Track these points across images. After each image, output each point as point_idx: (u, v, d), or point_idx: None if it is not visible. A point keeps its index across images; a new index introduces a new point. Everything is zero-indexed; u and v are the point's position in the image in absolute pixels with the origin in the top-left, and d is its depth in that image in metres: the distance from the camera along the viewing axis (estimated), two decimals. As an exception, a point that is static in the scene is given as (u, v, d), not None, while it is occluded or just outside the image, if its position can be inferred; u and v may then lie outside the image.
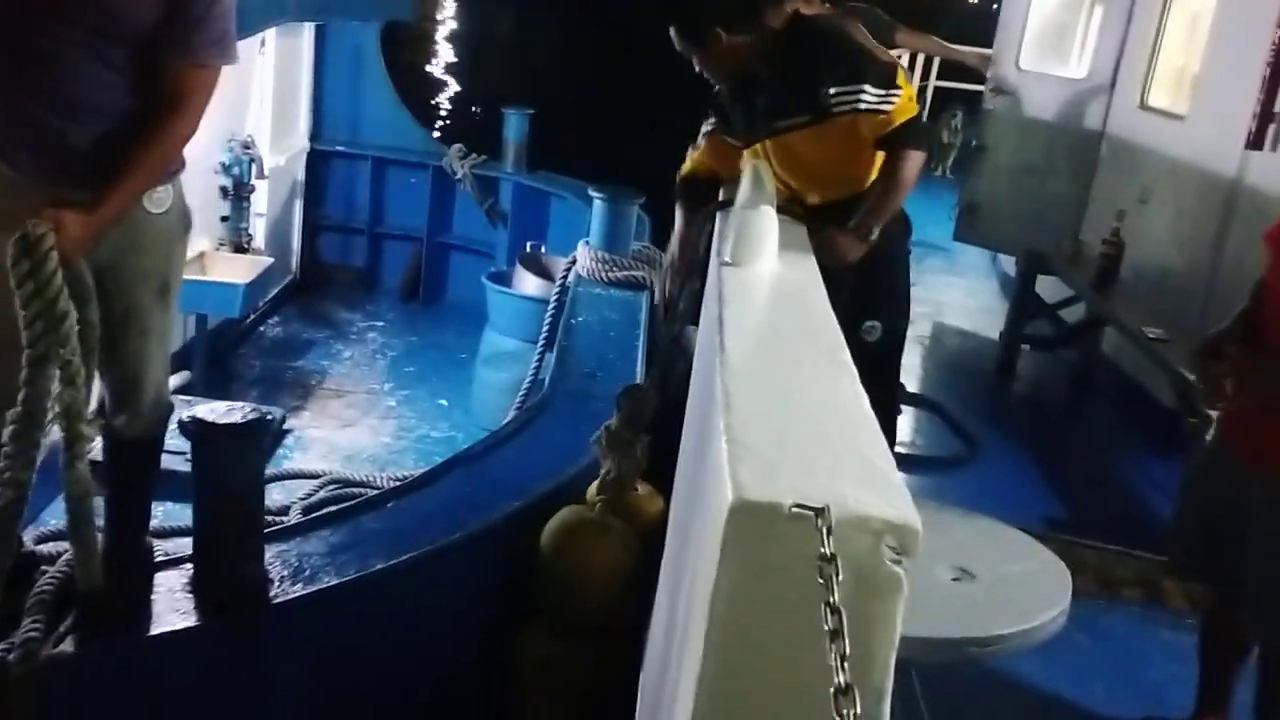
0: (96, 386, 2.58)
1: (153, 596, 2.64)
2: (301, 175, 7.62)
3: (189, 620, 2.58)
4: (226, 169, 5.96)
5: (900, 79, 3.37)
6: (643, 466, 3.23)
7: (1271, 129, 5.80)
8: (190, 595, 2.64)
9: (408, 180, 7.78)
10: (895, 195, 3.37)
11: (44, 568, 2.64)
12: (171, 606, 2.61)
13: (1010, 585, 2.62)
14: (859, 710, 1.06)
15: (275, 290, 7.25)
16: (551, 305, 5.09)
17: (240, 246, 6.12)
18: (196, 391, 5.65)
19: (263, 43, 6.44)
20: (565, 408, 3.71)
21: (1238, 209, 6.15)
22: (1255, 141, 5.87)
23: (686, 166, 3.68)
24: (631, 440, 3.19)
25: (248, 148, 6.06)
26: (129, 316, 2.53)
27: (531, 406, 3.73)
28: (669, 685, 1.68)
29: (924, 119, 3.54)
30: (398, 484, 4.78)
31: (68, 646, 2.44)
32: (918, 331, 7.88)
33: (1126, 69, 7.54)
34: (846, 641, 1.11)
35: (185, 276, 5.53)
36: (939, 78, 13.12)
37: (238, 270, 5.85)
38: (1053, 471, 6.17)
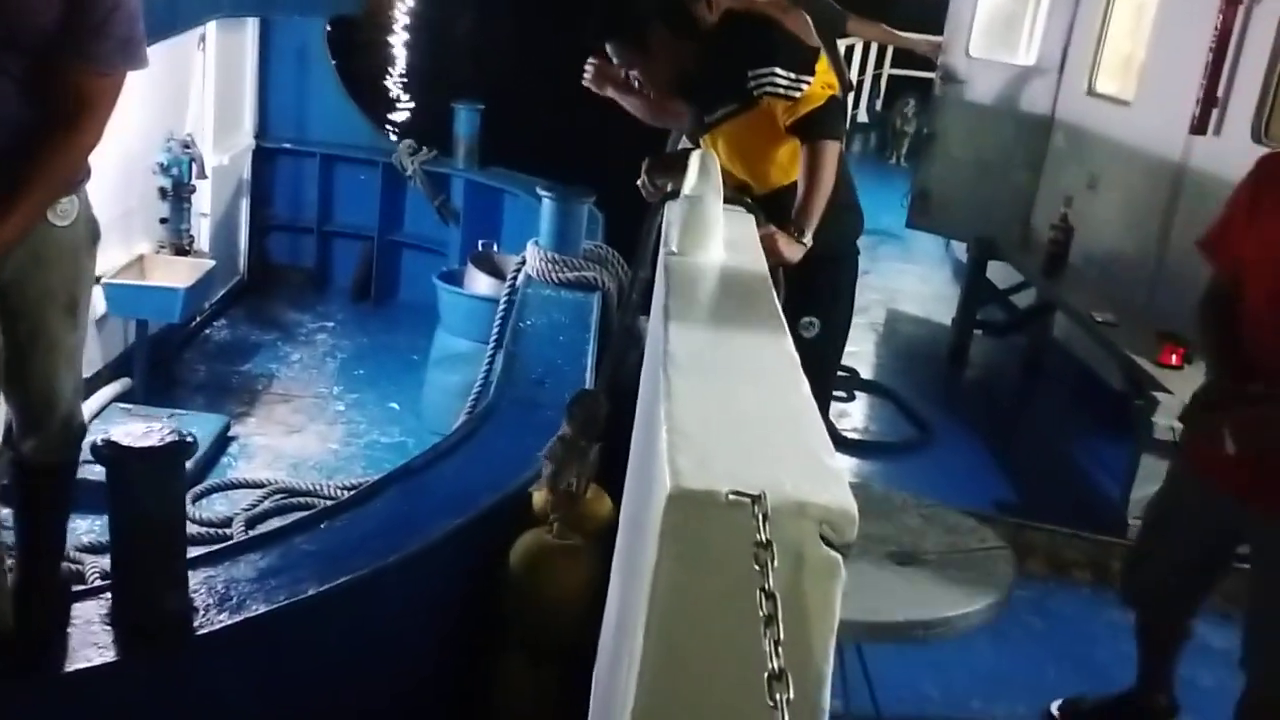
0: (4, 411, 2.44)
1: (68, 630, 2.49)
2: (247, 174, 7.43)
3: (105, 655, 2.43)
4: (165, 169, 5.77)
5: (821, 65, 3.34)
6: (594, 474, 3.13)
7: (1214, 114, 5.91)
8: (108, 628, 2.50)
9: (357, 177, 7.61)
10: (815, 193, 3.31)
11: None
12: (87, 640, 2.47)
13: (955, 568, 2.64)
14: (792, 695, 1.08)
15: (221, 292, 7.07)
16: (501, 307, 4.95)
17: (181, 249, 5.94)
18: (137, 399, 5.50)
19: (202, 38, 6.25)
20: (511, 417, 3.58)
21: (1183, 193, 6.24)
22: (1199, 126, 5.96)
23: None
24: (586, 449, 3.09)
25: (187, 147, 5.88)
26: (35, 336, 2.38)
27: (475, 416, 3.60)
28: (618, 677, 1.65)
29: (839, 106, 3.50)
30: (336, 499, 4.67)
31: (-28, 689, 2.30)
32: (871, 319, 8.08)
33: (1074, 56, 7.62)
34: (781, 627, 1.13)
35: (123, 281, 5.47)
36: (892, 66, 13.17)
37: (178, 274, 5.67)
38: (1004, 455, 6.23)
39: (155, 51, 5.60)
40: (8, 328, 2.30)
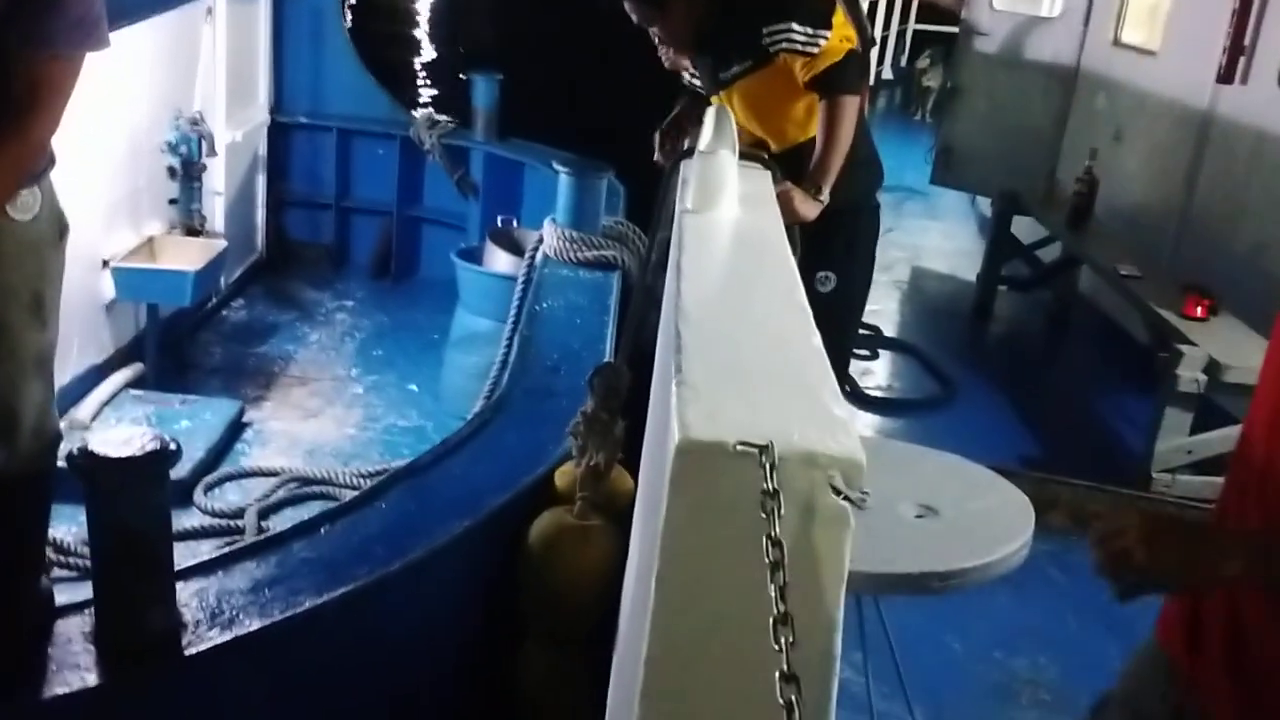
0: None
1: (49, 651, 2.35)
2: (263, 150, 7.25)
3: (88, 678, 2.28)
4: (173, 148, 5.60)
5: (837, 19, 3.30)
6: (619, 451, 2.98)
7: (1241, 62, 5.86)
8: (91, 648, 2.35)
9: (375, 151, 7.42)
10: (833, 149, 3.30)
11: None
12: (69, 662, 2.32)
13: (972, 520, 2.63)
14: (794, 638, 1.10)
15: (239, 271, 6.93)
16: (518, 288, 4.76)
17: (193, 229, 5.78)
18: (149, 385, 5.38)
19: (209, 11, 6.07)
20: (523, 408, 3.40)
21: (1210, 143, 6.19)
22: (1226, 75, 5.92)
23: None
24: (609, 423, 2.98)
25: (196, 124, 5.71)
26: None
27: (486, 408, 3.42)
28: (634, 636, 1.64)
29: (857, 60, 3.46)
30: (352, 487, 4.55)
31: (-57, 719, 2.16)
32: (895, 276, 8.16)
33: (1099, 6, 7.55)
34: (786, 574, 1.15)
35: (132, 264, 5.32)
36: (916, 21, 13.16)
37: (189, 255, 5.52)
38: (1029, 410, 6.24)
39: (159, 26, 5.48)
40: (-32, 331, 2.14)
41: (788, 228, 2.66)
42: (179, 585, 2.52)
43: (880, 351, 6.90)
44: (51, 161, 2.30)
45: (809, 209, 3.26)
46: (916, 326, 7.50)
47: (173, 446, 2.33)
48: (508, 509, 2.95)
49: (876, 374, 6.62)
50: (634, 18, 3.50)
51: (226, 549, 2.91)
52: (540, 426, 3.31)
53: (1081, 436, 5.99)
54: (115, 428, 2.52)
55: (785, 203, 3.06)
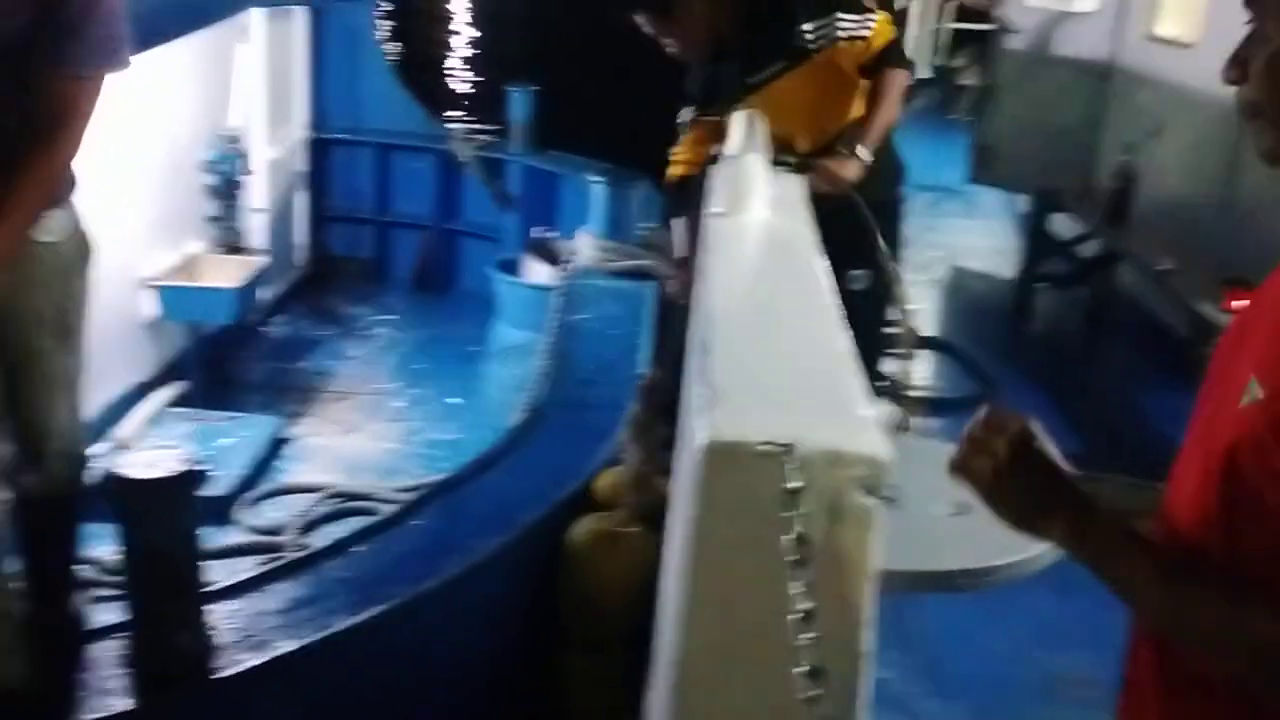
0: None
1: (81, 675, 2.34)
2: (303, 166, 7.29)
3: (119, 703, 2.27)
4: (212, 166, 5.63)
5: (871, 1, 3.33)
6: (661, 458, 2.96)
7: None
8: (123, 672, 2.33)
9: (413, 166, 7.44)
10: (884, 113, 3.33)
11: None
12: (99, 687, 2.31)
13: None
14: (818, 633, 1.13)
15: (281, 287, 6.96)
16: (556, 300, 4.74)
17: (233, 246, 5.81)
18: (192, 403, 5.39)
19: (245, 30, 6.10)
20: (558, 422, 3.38)
21: (1248, 135, 6.07)
22: None
23: (675, 170, 3.56)
24: (654, 430, 2.97)
25: (234, 142, 5.73)
26: (25, 363, 2.21)
27: (520, 423, 3.39)
28: (668, 636, 1.65)
29: (900, 39, 3.55)
30: (391, 502, 4.53)
31: (-29, 744, 2.15)
32: (933, 275, 8.12)
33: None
34: (810, 571, 1.18)
35: (174, 283, 5.34)
36: (951, 20, 13.09)
37: (230, 273, 5.54)
38: (1069, 407, 6.17)
39: (195, 46, 5.50)
40: (-3, 356, 2.13)
41: (826, 220, 2.57)
42: (211, 607, 2.50)
43: (918, 351, 6.87)
44: (74, 183, 2.29)
45: (849, 169, 3.24)
46: (955, 325, 7.49)
47: (200, 468, 2.31)
48: (544, 522, 2.92)
49: (914, 373, 6.61)
50: (646, 29, 3.49)
51: (262, 568, 2.90)
52: (575, 439, 3.28)
53: (1122, 433, 5.94)
54: (144, 450, 2.51)
55: (824, 171, 3.08)
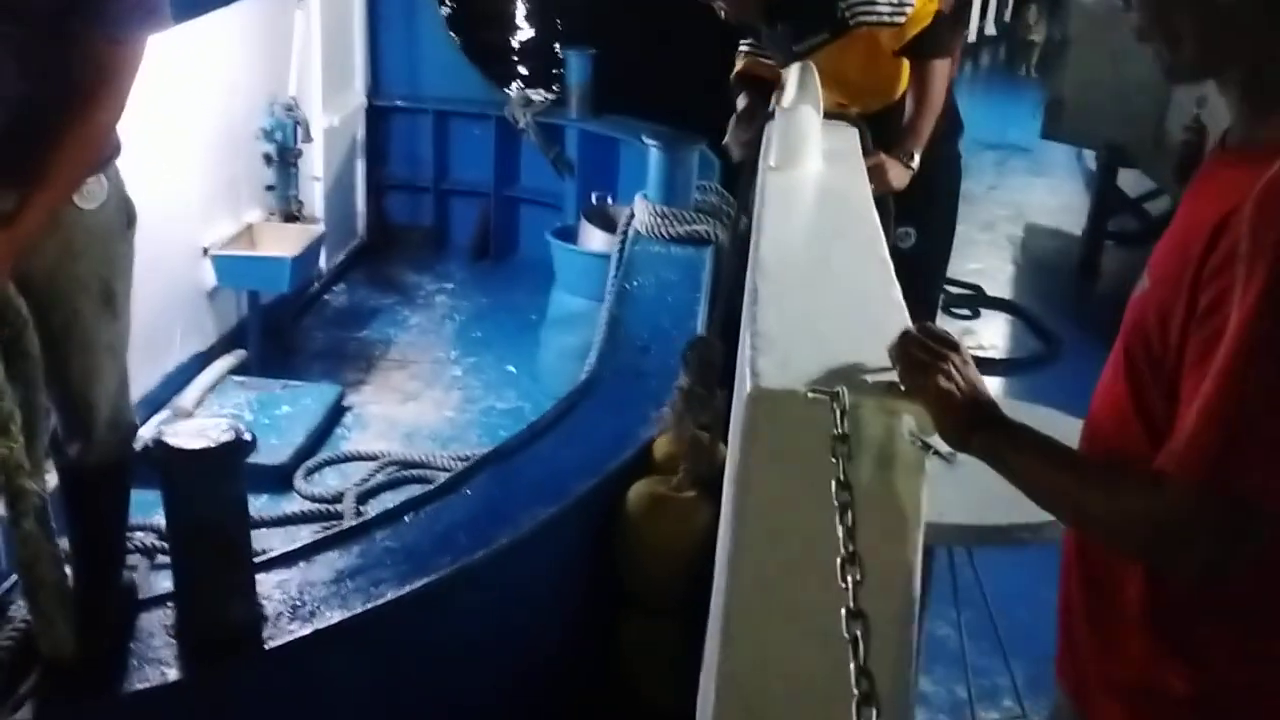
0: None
1: (130, 645, 2.33)
2: (361, 134, 7.27)
3: (169, 673, 2.26)
4: (268, 134, 5.62)
5: None
6: (720, 423, 2.91)
7: None
8: (172, 642, 2.33)
9: (471, 132, 7.38)
10: (926, 114, 3.28)
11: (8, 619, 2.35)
12: (150, 656, 2.30)
13: None
14: (861, 577, 1.12)
15: (341, 256, 6.97)
16: (612, 266, 4.68)
17: (291, 215, 5.80)
18: (253, 371, 5.42)
19: (301, -3, 6.09)
20: (612, 390, 3.33)
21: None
22: None
23: (739, 65, 3.63)
24: (706, 396, 2.92)
25: (291, 110, 5.72)
26: (69, 331, 2.19)
27: (575, 390, 3.34)
28: (719, 589, 1.65)
29: (945, 22, 3.42)
30: (450, 470, 4.51)
31: (25, 714, 2.15)
32: (998, 234, 8.14)
33: None
34: (853, 514, 1.17)
35: (230, 252, 5.36)
36: None
37: (287, 242, 5.54)
38: None
39: (251, 13, 5.49)
40: (40, 323, 2.11)
41: (880, 199, 2.58)
42: (261, 577, 2.49)
43: (982, 311, 6.82)
44: (117, 149, 2.27)
45: (902, 178, 3.20)
46: (1021, 284, 7.44)
47: (247, 437, 2.28)
48: (600, 489, 2.88)
49: (978, 334, 6.54)
50: None
51: (315, 537, 2.89)
52: (629, 408, 3.23)
53: None
54: (193, 419, 2.50)
55: (878, 174, 3.01)
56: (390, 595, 2.48)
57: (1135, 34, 1.34)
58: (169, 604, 2.41)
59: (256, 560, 2.51)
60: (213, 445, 2.22)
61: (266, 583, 2.49)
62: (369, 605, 2.45)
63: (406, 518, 2.77)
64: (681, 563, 2.83)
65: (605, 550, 2.94)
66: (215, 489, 2.26)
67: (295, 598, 2.47)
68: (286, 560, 2.60)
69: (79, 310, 2.20)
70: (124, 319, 2.33)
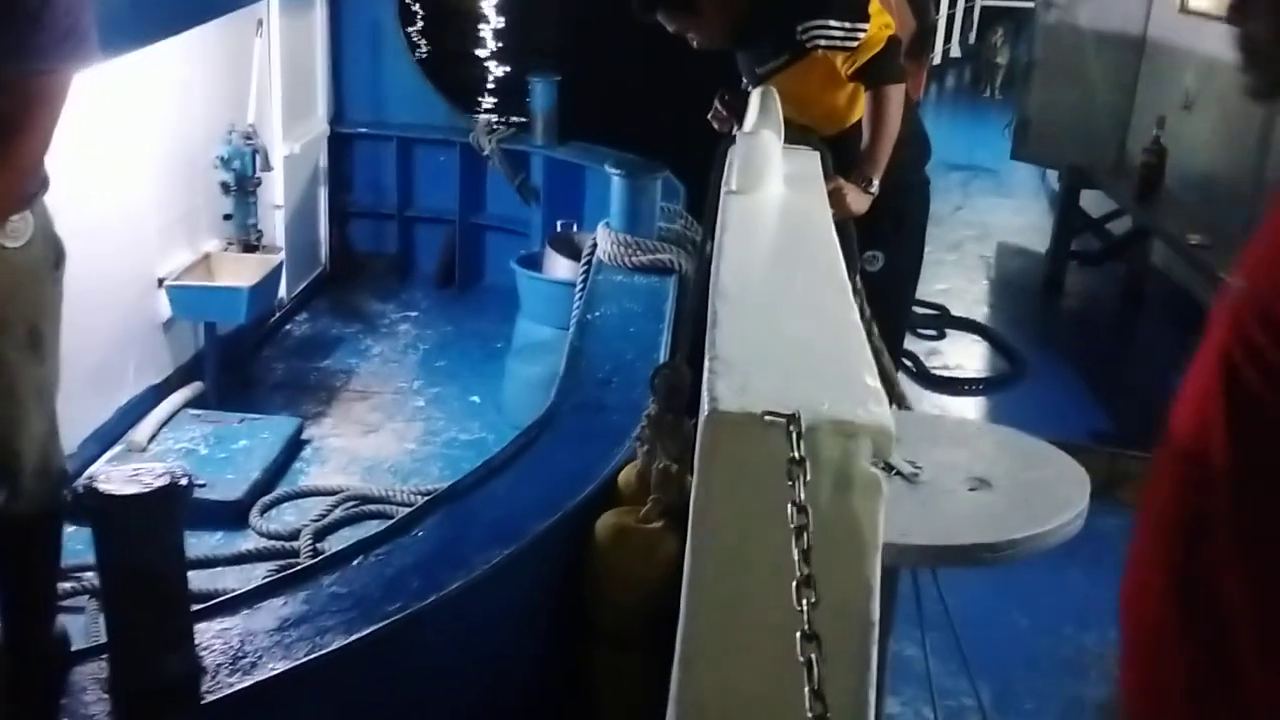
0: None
1: (62, 701, 2.22)
2: (324, 161, 7.18)
3: (100, 729, 2.16)
4: (226, 163, 5.52)
5: (874, 6, 3.29)
6: (689, 452, 2.84)
7: None
8: (104, 697, 2.22)
9: (436, 159, 7.30)
10: (882, 140, 3.30)
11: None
12: (80, 713, 2.19)
13: (1026, 492, 2.61)
14: (817, 599, 1.12)
15: (302, 285, 6.87)
16: (576, 295, 4.60)
17: (250, 245, 5.70)
18: (210, 404, 5.31)
19: (260, 23, 5.99)
20: (572, 424, 3.24)
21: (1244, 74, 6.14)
22: None
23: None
24: (675, 424, 2.85)
25: (249, 138, 5.63)
26: None
27: (533, 425, 3.25)
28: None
29: (898, 46, 3.42)
30: (409, 505, 4.41)
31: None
32: (964, 254, 8.24)
33: None
34: (809, 538, 1.18)
35: (185, 283, 5.25)
36: None
37: (245, 271, 5.44)
38: (1101, 385, 6.22)
39: (209, 40, 5.40)
40: (-38, 368, 2.02)
41: (841, 224, 2.54)
42: (201, 626, 2.39)
43: (948, 331, 6.88)
44: (45, 184, 2.17)
45: (861, 203, 3.25)
46: (987, 304, 7.55)
47: (184, 482, 2.18)
48: (557, 529, 2.78)
49: (944, 353, 6.59)
50: (668, 26, 3.48)
51: (266, 579, 2.79)
52: (590, 442, 3.15)
53: (1154, 410, 5.96)
54: (125, 464, 2.40)
55: (837, 199, 3.01)
56: (336, 644, 2.38)
57: (1241, 46, 1.22)
58: (102, 656, 2.30)
59: (197, 608, 2.41)
60: (146, 490, 2.12)
61: (206, 632, 2.38)
62: (313, 655, 2.35)
63: (355, 561, 2.66)
64: (649, 593, 2.75)
65: (571, 585, 2.85)
66: (150, 536, 2.16)
67: (236, 648, 2.36)
68: (228, 608, 2.49)
69: (4, 354, 2.10)
70: (51, 361, 2.23)
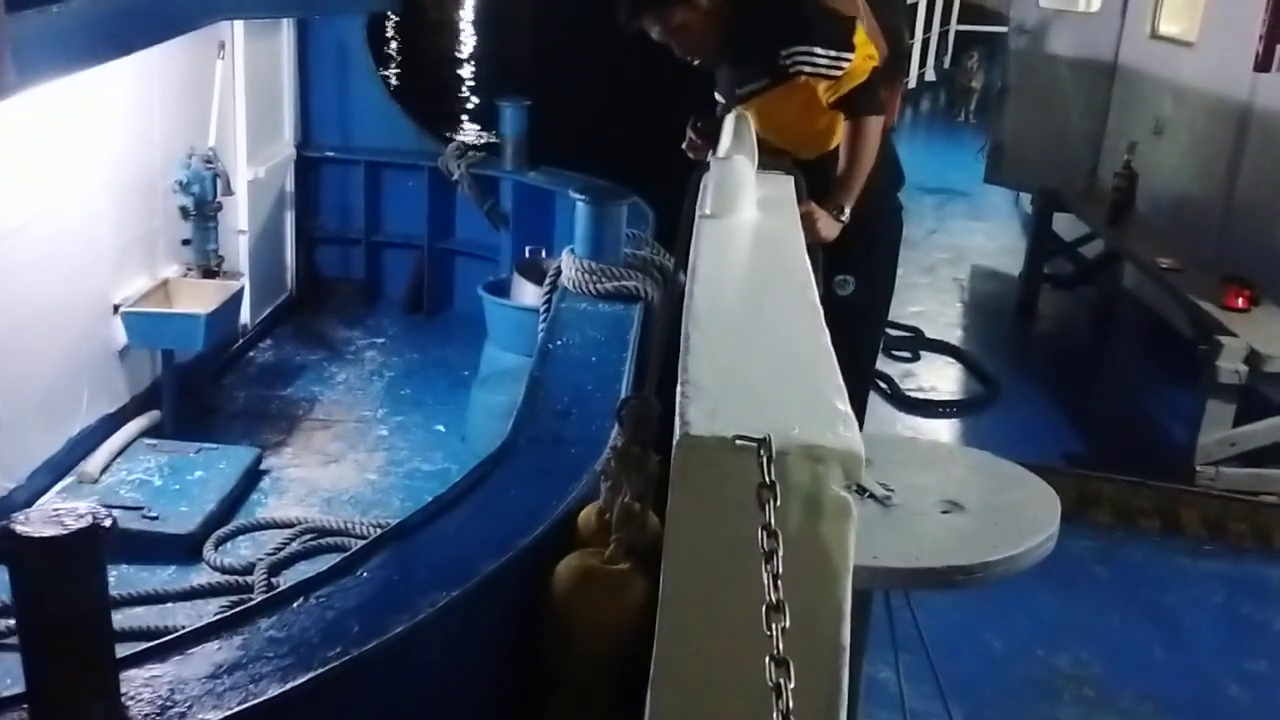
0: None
1: (-23, 755, 2.10)
2: (290, 185, 7.08)
3: (16, 787, 2.04)
4: (185, 187, 5.41)
5: (859, 37, 3.27)
6: (653, 489, 2.73)
7: (1278, 49, 5.90)
8: (23, 751, 2.10)
9: (404, 184, 7.23)
10: (858, 168, 3.31)
11: None
12: (-4, 768, 2.07)
13: (998, 514, 2.64)
14: (788, 624, 1.14)
15: (267, 310, 6.75)
16: (540, 323, 4.50)
17: (210, 270, 5.58)
18: (166, 433, 5.18)
19: (222, 46, 5.89)
20: (528, 458, 3.13)
21: (1249, 131, 6.19)
22: (1263, 63, 5.93)
23: None
24: (642, 458, 2.73)
25: (210, 162, 5.51)
26: None
27: (487, 459, 3.14)
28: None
29: (879, 79, 3.41)
30: (367, 538, 4.30)
31: None
32: (938, 277, 8.34)
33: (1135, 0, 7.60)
34: (779, 562, 1.18)
35: (141, 309, 5.12)
36: (958, 22, 13.50)
37: (203, 298, 5.32)
38: (1074, 407, 6.27)
39: (166, 61, 5.29)
40: None
41: (810, 248, 2.49)
42: (129, 674, 2.26)
43: (922, 353, 6.91)
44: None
45: (831, 229, 3.25)
46: (961, 326, 7.60)
47: (106, 524, 2.06)
48: (510, 569, 2.67)
49: (918, 376, 6.63)
50: (653, 33, 3.44)
51: (222, 613, 2.67)
52: (546, 478, 3.03)
53: (1126, 433, 5.97)
54: (46, 504, 2.29)
55: (808, 223, 2.97)
56: (272, 692, 2.26)
57: None
58: (22, 707, 2.18)
59: (125, 654, 2.29)
60: (65, 533, 2.01)
61: (134, 680, 2.26)
62: (247, 704, 2.23)
63: (296, 603, 2.54)
64: (614, 640, 2.63)
65: (526, 631, 2.74)
66: (70, 582, 2.04)
67: (165, 697, 2.24)
68: (158, 654, 2.37)
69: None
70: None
